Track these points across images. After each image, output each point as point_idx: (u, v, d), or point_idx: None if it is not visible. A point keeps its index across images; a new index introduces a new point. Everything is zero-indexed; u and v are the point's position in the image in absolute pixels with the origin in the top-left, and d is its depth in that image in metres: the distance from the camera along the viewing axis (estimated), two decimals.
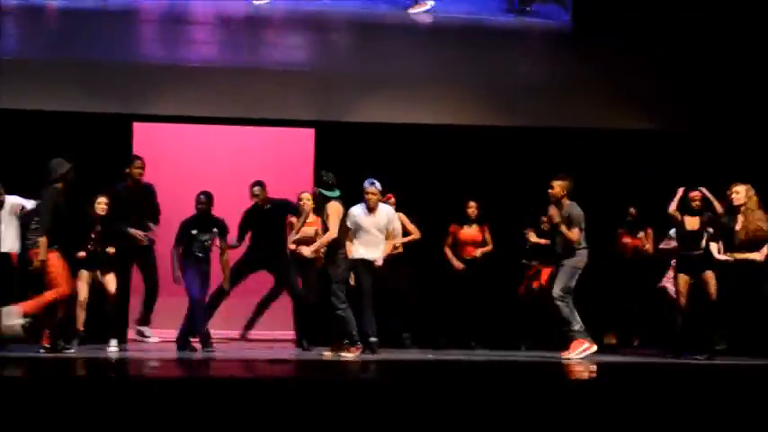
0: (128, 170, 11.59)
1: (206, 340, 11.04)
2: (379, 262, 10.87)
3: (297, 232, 11.46)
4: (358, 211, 10.85)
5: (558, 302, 10.45)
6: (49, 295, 9.86)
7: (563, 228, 10.64)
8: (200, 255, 11.18)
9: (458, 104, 13.60)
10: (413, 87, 13.47)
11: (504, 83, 13.68)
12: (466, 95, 13.60)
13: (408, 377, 7.25)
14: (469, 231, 12.49)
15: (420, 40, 13.81)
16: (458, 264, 12.34)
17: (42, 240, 9.70)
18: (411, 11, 13.86)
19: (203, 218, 11.26)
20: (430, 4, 13.88)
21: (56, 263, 9.90)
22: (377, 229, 10.89)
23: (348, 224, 10.80)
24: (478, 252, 12.39)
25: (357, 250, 10.84)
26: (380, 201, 10.99)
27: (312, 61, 13.58)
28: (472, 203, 12.43)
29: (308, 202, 11.41)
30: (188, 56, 13.44)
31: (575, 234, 10.54)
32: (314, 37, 13.65)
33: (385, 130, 13.16)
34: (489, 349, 12.03)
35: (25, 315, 9.71)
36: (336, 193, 10.78)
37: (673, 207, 11.18)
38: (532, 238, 12.46)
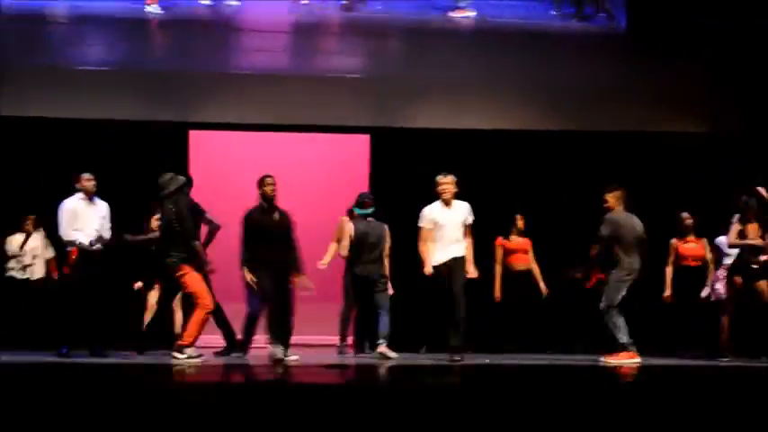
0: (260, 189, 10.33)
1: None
2: (473, 274, 10.36)
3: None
4: (435, 208, 10.36)
5: (605, 314, 10.37)
6: (199, 315, 9.82)
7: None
8: None
9: (513, 109, 13.61)
10: (467, 92, 13.47)
11: (558, 87, 13.63)
12: (521, 100, 13.59)
13: (467, 381, 7.24)
14: (517, 241, 12.56)
15: (473, 45, 13.79)
16: (498, 294, 12.46)
17: (197, 245, 9.86)
18: (451, 14, 13.89)
19: None
20: (471, 14, 13.88)
21: (194, 276, 9.90)
22: (454, 225, 10.30)
23: (424, 225, 10.33)
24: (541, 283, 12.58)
25: (434, 255, 10.28)
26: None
27: (367, 67, 13.62)
28: (519, 216, 12.51)
29: None
30: (243, 64, 13.52)
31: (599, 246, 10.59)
32: (368, 43, 13.68)
33: (440, 135, 13.17)
34: (549, 353, 12.07)
35: (189, 345, 9.76)
36: (368, 210, 10.91)
37: None
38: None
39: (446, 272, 10.22)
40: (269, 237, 10.02)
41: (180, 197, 9.96)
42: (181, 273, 9.82)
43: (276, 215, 10.16)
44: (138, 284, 11.67)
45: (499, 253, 12.52)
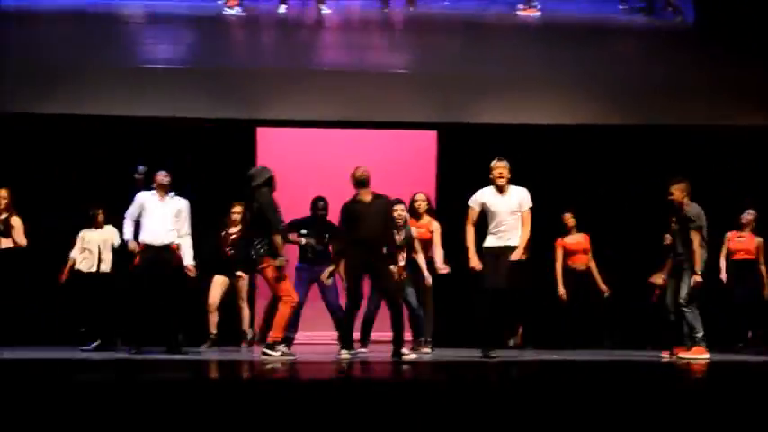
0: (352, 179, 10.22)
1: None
2: (516, 256, 9.69)
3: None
4: (487, 192, 9.95)
5: (684, 309, 10.25)
6: (284, 310, 9.84)
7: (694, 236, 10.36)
8: (311, 256, 11.00)
9: (580, 104, 13.55)
10: (534, 88, 13.44)
11: (624, 81, 13.58)
12: (588, 95, 13.53)
13: (532, 377, 7.21)
14: (575, 239, 12.51)
15: (539, 41, 13.75)
16: (562, 291, 12.43)
17: (277, 238, 9.75)
18: (519, 12, 13.84)
19: (319, 223, 11.11)
20: (538, 10, 13.84)
21: (279, 272, 9.88)
22: (507, 212, 9.84)
23: (471, 204, 9.96)
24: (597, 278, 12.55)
25: (486, 241, 9.89)
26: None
27: (433, 64, 13.60)
28: (567, 215, 12.46)
29: (422, 203, 11.34)
30: (310, 60, 13.58)
31: (697, 237, 10.35)
32: (434, 39, 13.67)
33: (507, 131, 13.14)
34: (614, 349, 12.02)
35: (276, 341, 9.78)
36: None
37: None
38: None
39: (494, 260, 9.77)
40: (362, 220, 9.87)
41: (263, 190, 9.94)
42: (263, 266, 9.84)
43: (369, 199, 10.03)
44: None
45: (559, 252, 12.50)
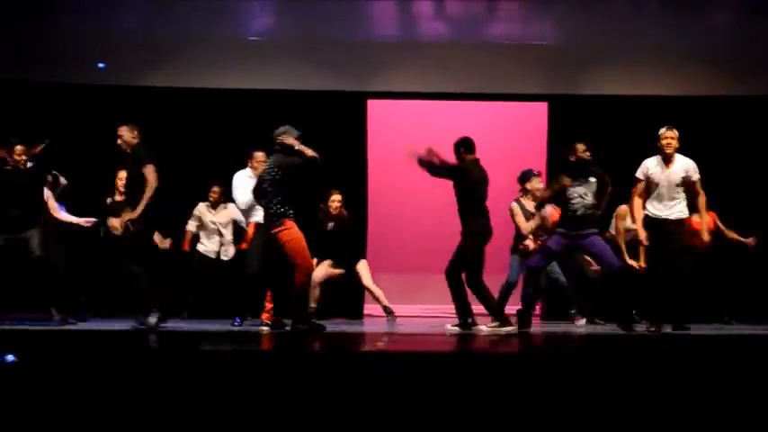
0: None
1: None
2: (706, 238, 9.82)
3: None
4: (652, 162, 9.61)
5: None
6: (299, 278, 9.02)
7: None
8: None
9: (695, 74, 13.29)
10: (647, 58, 13.25)
11: (741, 51, 13.28)
12: (703, 64, 13.26)
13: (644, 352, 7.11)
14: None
15: (652, 10, 13.48)
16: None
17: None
18: None
19: None
20: None
21: (297, 233, 9.13)
22: (670, 184, 9.51)
23: (639, 176, 9.63)
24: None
25: (648, 209, 9.63)
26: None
27: (545, 35, 13.49)
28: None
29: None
30: (420, 32, 13.55)
31: None
32: (546, 10, 13.51)
33: (619, 101, 12.99)
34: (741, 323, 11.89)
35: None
36: None
37: None
38: None
39: (660, 233, 9.51)
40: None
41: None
42: (281, 228, 9.08)
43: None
44: None
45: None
